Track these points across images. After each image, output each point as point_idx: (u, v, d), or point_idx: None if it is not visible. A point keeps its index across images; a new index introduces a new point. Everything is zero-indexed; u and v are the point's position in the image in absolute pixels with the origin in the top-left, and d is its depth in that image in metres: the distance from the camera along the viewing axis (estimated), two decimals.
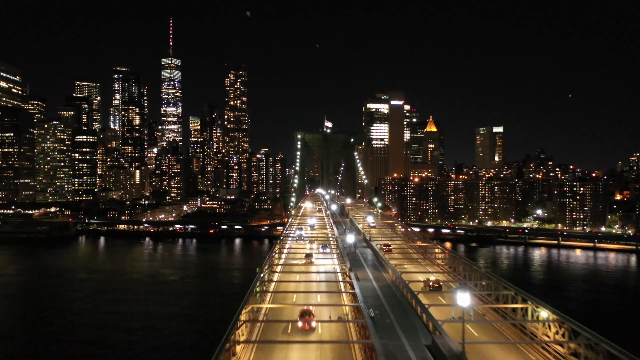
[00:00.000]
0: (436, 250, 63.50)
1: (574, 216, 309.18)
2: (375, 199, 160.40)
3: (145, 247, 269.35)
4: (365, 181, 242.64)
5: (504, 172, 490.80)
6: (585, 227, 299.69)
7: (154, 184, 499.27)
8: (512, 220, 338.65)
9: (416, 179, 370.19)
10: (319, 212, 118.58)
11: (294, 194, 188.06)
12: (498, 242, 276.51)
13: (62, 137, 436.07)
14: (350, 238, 60.07)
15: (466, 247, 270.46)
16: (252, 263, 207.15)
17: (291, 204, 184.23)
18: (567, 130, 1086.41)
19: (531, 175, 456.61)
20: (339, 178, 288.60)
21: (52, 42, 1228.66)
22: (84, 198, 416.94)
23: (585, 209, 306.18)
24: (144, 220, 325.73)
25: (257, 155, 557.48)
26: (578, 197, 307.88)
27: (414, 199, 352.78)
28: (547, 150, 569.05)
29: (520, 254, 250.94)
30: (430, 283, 49.36)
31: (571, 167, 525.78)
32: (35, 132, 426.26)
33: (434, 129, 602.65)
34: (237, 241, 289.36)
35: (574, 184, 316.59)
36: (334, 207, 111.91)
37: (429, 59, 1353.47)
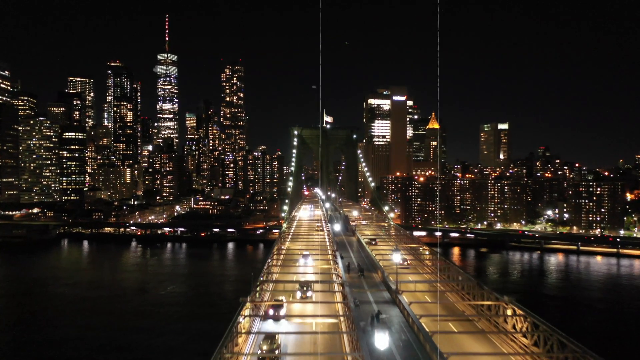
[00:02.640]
0: (518, 324, 33.33)
1: (590, 218, 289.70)
2: (386, 208, 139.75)
3: (131, 252, 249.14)
4: (372, 184, 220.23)
5: (510, 171, 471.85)
6: (603, 230, 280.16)
7: (146, 182, 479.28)
8: (524, 223, 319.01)
9: (421, 179, 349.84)
10: (317, 231, 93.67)
11: (287, 200, 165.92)
12: (511, 247, 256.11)
13: (48, 133, 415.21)
14: (382, 341, 28.03)
15: (476, 253, 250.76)
16: (244, 273, 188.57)
17: (283, 214, 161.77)
18: (566, 127, 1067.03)
19: (539, 174, 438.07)
20: (340, 177, 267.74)
21: (47, 38, 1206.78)
22: (72, 198, 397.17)
23: (602, 210, 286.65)
24: (131, 222, 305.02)
25: (254, 153, 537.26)
26: (595, 198, 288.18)
27: (419, 199, 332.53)
28: (548, 148, 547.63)
29: (535, 261, 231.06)
30: None
31: (577, 165, 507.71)
32: (20, 128, 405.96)
33: (436, 125, 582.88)
34: (230, 246, 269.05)
35: (590, 183, 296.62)
36: (337, 227, 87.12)
37: (430, 54, 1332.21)
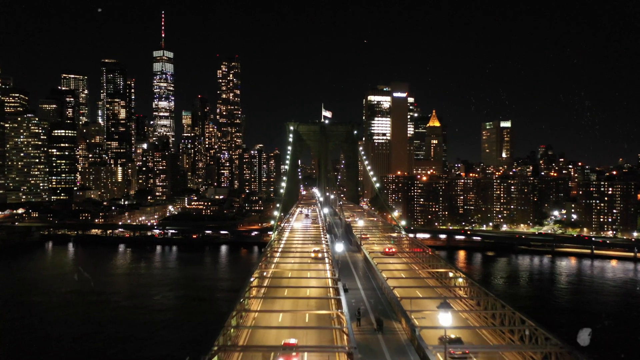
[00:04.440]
0: None
1: (602, 219, 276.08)
2: (396, 213, 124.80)
3: (117, 256, 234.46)
4: (377, 185, 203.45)
5: (514, 170, 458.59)
6: (615, 232, 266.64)
7: (140, 181, 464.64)
8: (530, 224, 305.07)
9: (424, 178, 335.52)
10: (314, 244, 76.18)
11: (278, 205, 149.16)
12: (520, 250, 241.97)
13: (37, 131, 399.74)
14: None
15: (483, 257, 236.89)
16: (236, 277, 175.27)
17: (272, 222, 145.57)
18: (562, 126, 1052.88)
19: (543, 173, 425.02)
20: (339, 177, 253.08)
21: (42, 35, 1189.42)
22: (61, 198, 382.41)
23: (614, 211, 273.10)
24: (120, 223, 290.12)
25: (251, 152, 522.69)
26: (606, 198, 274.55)
27: (422, 199, 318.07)
28: (550, 147, 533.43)
29: (546, 266, 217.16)
30: None
31: (580, 164, 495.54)
32: (7, 125, 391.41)
33: (437, 123, 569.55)
34: (223, 249, 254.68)
35: (602, 183, 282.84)
36: (339, 248, 68.47)
37: (430, 52, 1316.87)
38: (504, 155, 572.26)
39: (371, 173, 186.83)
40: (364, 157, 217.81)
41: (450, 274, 52.58)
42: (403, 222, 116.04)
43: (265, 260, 59.68)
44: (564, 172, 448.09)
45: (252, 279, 46.34)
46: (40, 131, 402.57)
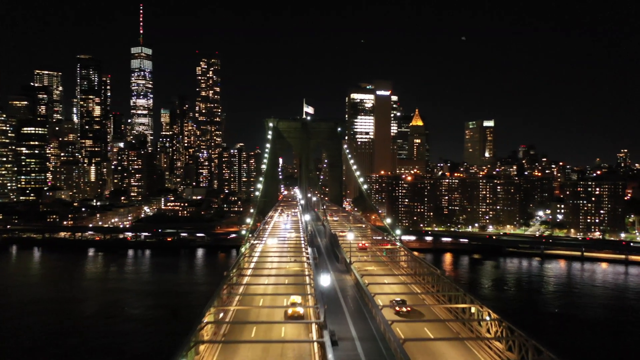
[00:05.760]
0: None
1: (589, 220, 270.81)
2: (389, 220, 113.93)
3: (86, 261, 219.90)
4: (364, 186, 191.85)
5: (497, 169, 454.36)
6: (603, 233, 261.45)
7: (115, 181, 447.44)
8: (516, 225, 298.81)
9: (408, 178, 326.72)
10: (291, 318, 45.48)
11: (252, 210, 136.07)
12: (508, 252, 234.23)
13: (4, 128, 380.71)
14: None
15: (470, 260, 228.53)
16: (212, 285, 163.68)
17: (244, 231, 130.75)
18: (539, 126, 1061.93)
19: (526, 173, 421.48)
20: (322, 176, 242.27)
21: (16, 29, 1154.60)
22: (30, 199, 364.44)
23: (602, 212, 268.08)
24: (90, 226, 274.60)
25: (231, 150, 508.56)
26: (594, 199, 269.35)
27: (406, 200, 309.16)
28: (533, 146, 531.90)
29: (535, 269, 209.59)
30: None
31: (561, 163, 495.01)
32: None
33: (420, 123, 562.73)
34: (200, 252, 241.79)
35: (589, 183, 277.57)
36: (325, 282, 53.22)
37: (412, 51, 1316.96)
38: (486, 154, 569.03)
39: (357, 173, 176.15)
40: (349, 156, 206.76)
41: (473, 309, 40.00)
42: (398, 232, 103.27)
43: (227, 289, 46.30)
44: (547, 172, 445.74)
45: (202, 323, 33.04)
46: (7, 128, 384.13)
